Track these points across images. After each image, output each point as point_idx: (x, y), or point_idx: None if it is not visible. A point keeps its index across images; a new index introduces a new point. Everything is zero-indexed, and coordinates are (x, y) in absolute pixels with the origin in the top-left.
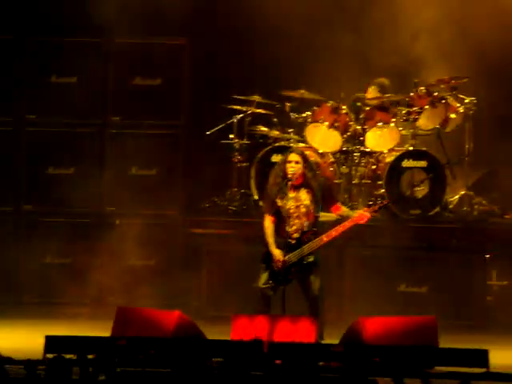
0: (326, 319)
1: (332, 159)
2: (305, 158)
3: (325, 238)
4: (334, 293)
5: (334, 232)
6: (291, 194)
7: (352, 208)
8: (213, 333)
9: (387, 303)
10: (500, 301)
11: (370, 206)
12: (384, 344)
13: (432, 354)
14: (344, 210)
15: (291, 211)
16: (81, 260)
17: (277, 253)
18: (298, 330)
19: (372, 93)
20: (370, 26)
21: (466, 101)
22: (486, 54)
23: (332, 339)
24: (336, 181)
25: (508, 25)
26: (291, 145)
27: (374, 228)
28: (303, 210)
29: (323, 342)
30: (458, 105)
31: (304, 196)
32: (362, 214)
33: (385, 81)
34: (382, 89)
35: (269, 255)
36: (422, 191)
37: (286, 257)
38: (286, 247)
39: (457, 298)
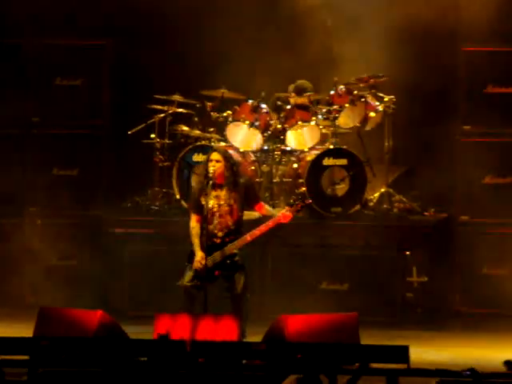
0: (249, 317)
1: (253, 158)
2: (226, 157)
3: (248, 237)
4: (257, 291)
5: (258, 231)
6: (214, 193)
7: (273, 206)
8: (136, 332)
9: (309, 301)
10: (420, 297)
11: (292, 205)
12: (306, 341)
13: (353, 351)
14: (267, 209)
15: (214, 210)
16: (1, 260)
17: (199, 253)
18: (220, 329)
19: (293, 96)
20: (291, 24)
21: (385, 99)
22: (404, 53)
23: (255, 337)
24: (257, 179)
25: (426, 26)
26: (212, 144)
27: (296, 226)
28: (226, 208)
29: (246, 339)
30: (378, 103)
31: (226, 195)
32: (284, 214)
33: (305, 83)
34: (302, 91)
35: (194, 254)
36: (342, 189)
37: (210, 256)
38: (211, 246)
39: (377, 295)
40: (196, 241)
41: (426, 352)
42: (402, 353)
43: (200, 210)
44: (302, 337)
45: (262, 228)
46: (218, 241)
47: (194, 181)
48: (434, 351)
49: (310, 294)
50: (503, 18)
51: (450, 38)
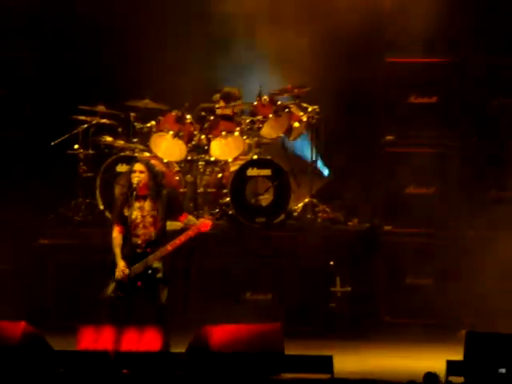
0: (173, 328)
1: (177, 168)
2: (150, 168)
3: (169, 247)
4: (181, 301)
5: (178, 241)
6: (137, 204)
7: (197, 217)
8: (61, 343)
9: (233, 311)
10: (344, 307)
11: (211, 214)
12: (230, 351)
13: (278, 361)
14: (190, 218)
15: (137, 221)
16: None
17: (121, 264)
18: (144, 339)
19: (220, 103)
20: (215, 35)
21: (310, 109)
22: (329, 63)
23: (179, 348)
24: (181, 190)
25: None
26: (136, 154)
27: (220, 236)
28: (150, 219)
29: (170, 350)
30: (302, 113)
31: (150, 205)
32: (203, 222)
33: (233, 89)
34: (230, 98)
35: (115, 265)
36: (266, 199)
37: (132, 267)
38: (134, 257)
39: (301, 305)
40: (117, 251)
41: (350, 362)
42: (326, 363)
43: (123, 220)
44: (226, 347)
45: (183, 237)
46: (140, 251)
47: (117, 191)
48: (358, 361)
49: (234, 304)
50: (426, 30)
51: (374, 48)
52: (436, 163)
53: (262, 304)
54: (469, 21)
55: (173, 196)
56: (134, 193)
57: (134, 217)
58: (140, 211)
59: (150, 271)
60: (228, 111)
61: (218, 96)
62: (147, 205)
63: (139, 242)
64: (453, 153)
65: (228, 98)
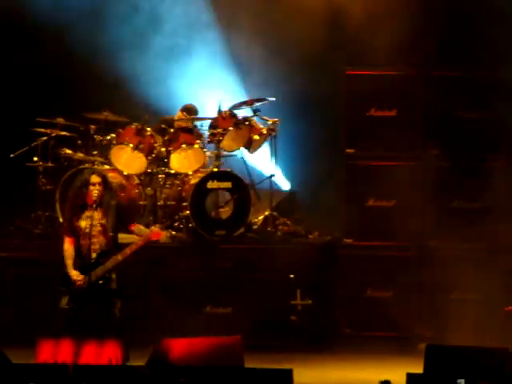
0: (132, 341)
1: (137, 181)
2: (105, 179)
3: (120, 257)
4: (140, 314)
5: (129, 250)
6: (87, 214)
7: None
8: (19, 357)
9: (193, 324)
10: (304, 320)
11: (162, 223)
12: (190, 365)
13: (237, 374)
14: (140, 228)
15: (87, 231)
16: None
17: (74, 274)
18: (103, 352)
19: (179, 115)
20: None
21: (270, 122)
22: (290, 76)
23: (138, 361)
24: (141, 202)
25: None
26: (88, 166)
27: (180, 249)
28: (99, 228)
29: (129, 363)
30: (262, 126)
31: (99, 215)
32: (153, 231)
33: (191, 106)
34: (189, 113)
35: (68, 277)
36: (226, 212)
37: (85, 278)
38: (85, 267)
39: (262, 318)
40: (69, 262)
41: (311, 375)
42: (286, 376)
43: (73, 231)
44: (186, 360)
45: (133, 247)
46: (92, 261)
47: (68, 203)
48: (319, 374)
49: (194, 317)
50: (386, 43)
51: (334, 61)
52: (396, 176)
53: (222, 317)
54: (430, 33)
55: (121, 206)
56: (85, 203)
57: (83, 226)
58: (89, 221)
59: (101, 281)
60: (188, 124)
61: (179, 112)
62: (97, 214)
63: (90, 251)
64: (414, 165)
65: (188, 112)
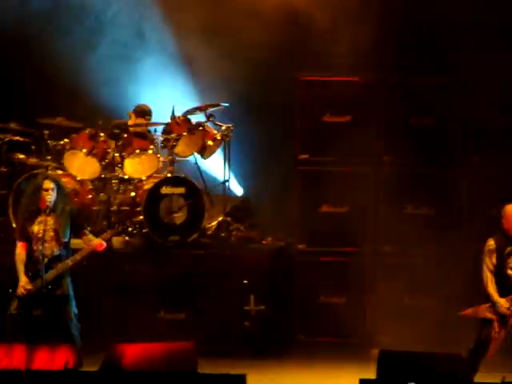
0: (85, 346)
1: (90, 186)
2: (58, 184)
3: (70, 262)
4: (93, 319)
5: (79, 256)
6: (40, 219)
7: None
8: None
9: (147, 329)
10: (258, 326)
11: (113, 229)
12: (143, 370)
13: (191, 380)
14: (89, 237)
15: (40, 235)
16: None
17: (23, 280)
18: (56, 358)
19: (133, 119)
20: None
21: (223, 128)
22: (244, 82)
23: (91, 366)
24: (94, 208)
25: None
26: (41, 171)
27: (133, 254)
28: (51, 234)
29: (82, 368)
30: (216, 132)
31: (52, 221)
32: (99, 243)
33: (145, 107)
34: (143, 114)
35: (18, 281)
36: (180, 217)
37: (34, 282)
38: (37, 272)
39: (215, 324)
40: (21, 267)
41: (264, 381)
42: (239, 382)
43: (26, 236)
44: (139, 365)
45: (83, 253)
46: (43, 266)
47: (22, 208)
48: (272, 380)
49: (148, 322)
50: (342, 49)
51: (288, 67)
52: (350, 181)
53: (176, 322)
54: (388, 39)
55: (75, 213)
56: (38, 208)
57: (36, 231)
58: (42, 226)
59: (50, 286)
60: (142, 129)
61: (132, 113)
62: (49, 220)
63: (42, 256)
64: (367, 171)
65: (140, 113)
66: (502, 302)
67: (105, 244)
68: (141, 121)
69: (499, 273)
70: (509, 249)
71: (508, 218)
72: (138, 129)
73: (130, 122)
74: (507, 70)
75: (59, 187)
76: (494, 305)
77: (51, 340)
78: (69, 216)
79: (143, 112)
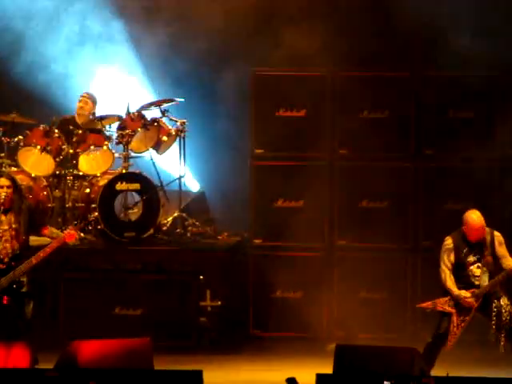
0: (41, 343)
1: (45, 183)
2: (15, 182)
3: (34, 260)
4: (49, 316)
5: (43, 253)
6: (0, 218)
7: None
8: None
9: (103, 326)
10: (214, 321)
11: (75, 225)
12: (99, 367)
13: (147, 376)
14: (52, 230)
15: (0, 235)
16: None
17: None
18: (11, 356)
19: (90, 105)
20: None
21: (178, 123)
22: (198, 76)
23: (47, 364)
24: (49, 205)
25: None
26: (2, 169)
27: (89, 250)
28: (12, 233)
29: (38, 366)
30: (170, 127)
31: (11, 219)
32: (68, 233)
33: (93, 93)
34: (93, 100)
35: None
36: (135, 213)
37: None
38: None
39: (172, 320)
40: None
41: (221, 376)
42: (196, 377)
43: None
44: (95, 363)
45: (47, 249)
46: (4, 266)
47: None
48: (229, 375)
49: (104, 319)
50: (295, 43)
51: (242, 61)
52: (305, 176)
53: (132, 319)
54: (340, 33)
55: (33, 210)
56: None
57: None
58: (2, 225)
59: (15, 285)
60: (97, 124)
61: (81, 100)
62: (8, 218)
63: (1, 256)
64: (322, 165)
65: (96, 102)
66: (464, 294)
67: (75, 234)
68: (95, 108)
69: (458, 269)
70: (466, 248)
71: (468, 225)
72: (92, 124)
73: (87, 108)
74: (457, 65)
75: (17, 185)
76: (452, 299)
77: (8, 337)
78: (27, 213)
79: (96, 100)
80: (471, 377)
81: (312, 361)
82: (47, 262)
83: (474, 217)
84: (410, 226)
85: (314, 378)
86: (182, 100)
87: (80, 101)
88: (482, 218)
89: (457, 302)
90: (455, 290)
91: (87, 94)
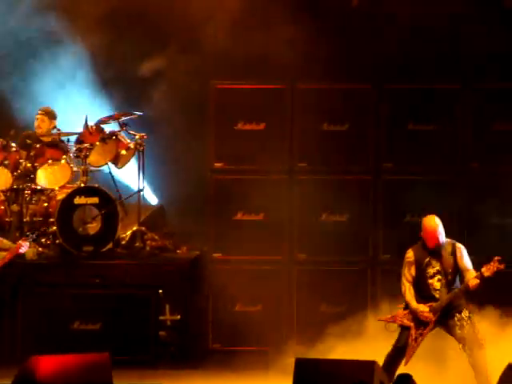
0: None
1: (2, 197)
2: None
3: None
4: (7, 330)
5: None
6: None
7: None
8: None
9: (61, 341)
10: (173, 335)
11: (27, 235)
12: (57, 383)
13: None
14: (4, 242)
15: None
16: None
17: None
18: None
19: (47, 122)
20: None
21: (137, 137)
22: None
23: (5, 379)
24: (7, 219)
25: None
26: None
27: (47, 265)
28: None
29: None
30: (129, 141)
31: None
32: (20, 244)
33: (51, 110)
34: (54, 117)
35: None
36: (94, 228)
37: None
38: None
39: (131, 334)
40: None
41: None
42: None
43: None
44: (54, 378)
45: (0, 262)
46: None
47: None
48: None
49: (63, 334)
50: (253, 56)
51: (200, 74)
52: (265, 189)
53: (91, 333)
54: (297, 46)
55: None
56: None
57: None
58: None
59: None
60: (54, 138)
61: (39, 116)
62: None
63: None
64: (281, 178)
65: (53, 116)
66: (422, 308)
67: (28, 244)
68: (53, 123)
69: (419, 282)
70: (427, 259)
71: (426, 230)
72: (51, 138)
73: (44, 125)
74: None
75: None
76: (411, 312)
77: None
78: None
79: (54, 115)
80: None
81: (272, 375)
82: (3, 275)
83: (431, 221)
84: (369, 240)
85: None
86: (141, 113)
87: (37, 119)
88: (440, 223)
89: (415, 316)
90: (413, 304)
91: (43, 110)
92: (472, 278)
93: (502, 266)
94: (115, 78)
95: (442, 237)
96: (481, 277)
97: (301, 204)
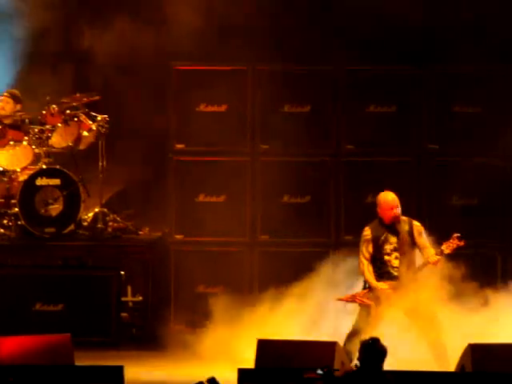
0: None
1: None
2: None
3: None
4: None
5: None
6: None
7: None
8: None
9: (23, 322)
10: (135, 317)
11: None
12: (18, 363)
13: (67, 372)
14: None
15: None
16: None
17: None
18: None
19: (12, 104)
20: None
21: (99, 118)
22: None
23: None
24: None
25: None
26: None
27: (9, 247)
28: None
29: None
30: (91, 122)
31: None
32: None
33: (17, 93)
34: (19, 100)
35: None
36: (56, 209)
37: None
38: None
39: (93, 316)
40: None
41: (142, 371)
42: (117, 373)
43: None
44: (15, 359)
45: None
46: None
47: None
48: (150, 370)
49: (24, 315)
50: (215, 37)
51: (161, 56)
52: (227, 171)
53: (53, 315)
54: (260, 28)
55: None
56: None
57: None
58: None
59: None
60: (15, 119)
61: (4, 98)
62: None
63: None
64: (243, 160)
65: (18, 100)
66: (381, 286)
67: None
68: (18, 107)
69: (376, 259)
70: (384, 236)
71: (381, 205)
72: (12, 119)
73: (8, 108)
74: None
75: None
76: (371, 290)
77: None
78: None
79: (19, 99)
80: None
81: (234, 356)
82: None
83: (387, 196)
84: (331, 221)
85: (236, 374)
86: (100, 96)
87: (1, 100)
88: (395, 198)
89: (375, 294)
90: (373, 282)
91: (8, 93)
92: (432, 254)
93: (461, 243)
94: (69, 55)
95: (399, 211)
96: (441, 253)
97: (262, 186)
